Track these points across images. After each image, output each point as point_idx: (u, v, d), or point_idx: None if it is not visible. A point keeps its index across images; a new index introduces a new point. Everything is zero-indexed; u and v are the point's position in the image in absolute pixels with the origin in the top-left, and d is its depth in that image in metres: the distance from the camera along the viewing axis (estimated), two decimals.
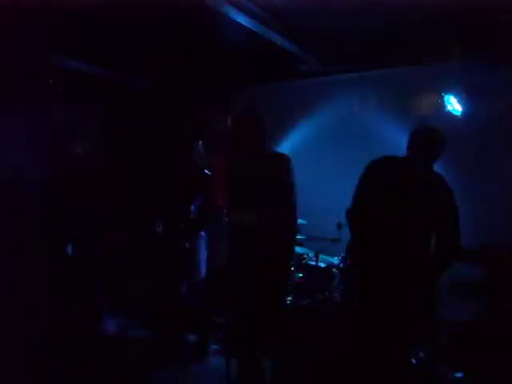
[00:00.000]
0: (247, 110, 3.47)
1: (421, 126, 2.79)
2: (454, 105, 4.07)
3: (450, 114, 4.07)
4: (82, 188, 3.63)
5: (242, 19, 3.66)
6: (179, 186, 3.84)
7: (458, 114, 4.07)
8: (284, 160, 3.05)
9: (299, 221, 4.32)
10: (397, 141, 4.09)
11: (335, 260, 4.23)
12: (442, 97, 4.09)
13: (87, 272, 3.65)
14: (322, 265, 4.23)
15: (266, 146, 3.13)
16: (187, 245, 3.77)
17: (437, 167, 2.79)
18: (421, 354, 3.26)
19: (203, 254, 3.92)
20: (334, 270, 4.13)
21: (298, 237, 4.43)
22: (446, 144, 2.73)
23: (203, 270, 3.91)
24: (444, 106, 4.08)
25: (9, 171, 4.37)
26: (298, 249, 4.41)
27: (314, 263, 4.20)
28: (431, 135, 2.72)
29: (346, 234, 4.00)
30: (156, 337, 4.28)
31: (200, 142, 3.87)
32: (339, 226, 4.11)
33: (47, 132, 4.48)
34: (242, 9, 3.56)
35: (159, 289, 4.37)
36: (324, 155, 4.95)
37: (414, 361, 3.19)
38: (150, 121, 5.66)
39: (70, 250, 3.54)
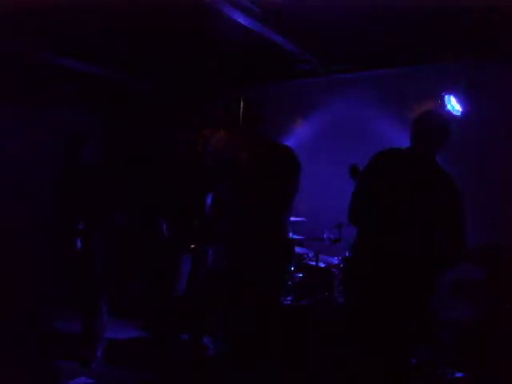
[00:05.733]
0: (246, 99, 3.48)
1: (423, 112, 2.74)
2: (453, 105, 4.07)
3: (450, 113, 4.06)
4: (90, 182, 3.72)
5: (242, 19, 3.66)
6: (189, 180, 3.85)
7: (458, 114, 4.07)
8: (294, 158, 3.06)
9: (299, 219, 4.36)
10: (397, 141, 4.10)
11: (335, 260, 4.23)
12: (442, 97, 4.09)
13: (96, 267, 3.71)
14: (322, 265, 4.24)
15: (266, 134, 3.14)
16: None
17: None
18: (421, 354, 3.27)
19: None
20: (333, 269, 4.13)
21: (297, 237, 4.44)
22: (449, 130, 2.67)
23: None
24: (444, 106, 4.08)
25: (15, 170, 4.41)
26: (297, 249, 4.42)
27: (314, 263, 4.20)
28: (434, 120, 2.68)
29: (346, 234, 4.02)
30: (154, 336, 4.29)
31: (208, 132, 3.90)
32: (339, 225, 4.12)
33: (52, 131, 4.52)
34: (242, 9, 3.56)
35: (159, 288, 4.38)
36: (324, 155, 4.95)
37: (413, 361, 3.20)
38: (152, 119, 5.69)
39: (79, 244, 3.62)
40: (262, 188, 3.03)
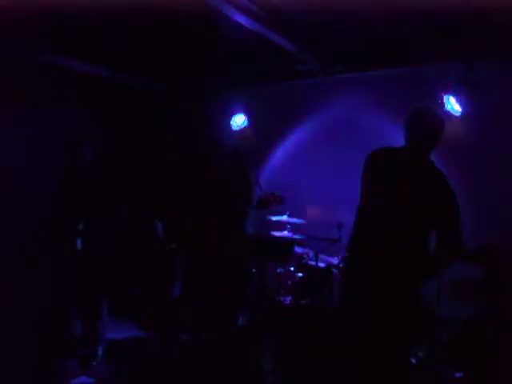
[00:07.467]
0: None
1: (416, 111, 2.69)
2: (453, 105, 4.06)
3: (449, 113, 4.06)
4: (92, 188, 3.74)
5: (242, 19, 3.66)
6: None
7: (458, 114, 4.07)
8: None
9: (298, 220, 4.37)
10: (397, 141, 4.10)
11: (335, 260, 4.23)
12: (442, 97, 4.09)
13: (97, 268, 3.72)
14: (322, 265, 4.24)
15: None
16: None
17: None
18: (421, 354, 3.27)
19: None
20: (333, 269, 4.13)
21: (298, 237, 4.45)
22: (443, 129, 2.64)
23: None
24: (444, 106, 4.08)
25: (16, 169, 4.43)
26: (297, 249, 4.43)
27: (313, 263, 4.20)
28: (426, 119, 2.64)
29: (346, 234, 4.01)
30: (154, 336, 4.30)
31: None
32: (339, 225, 4.12)
33: (51, 132, 4.53)
34: (242, 9, 3.56)
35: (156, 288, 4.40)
36: (324, 155, 4.95)
37: (413, 361, 3.20)
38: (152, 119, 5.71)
39: (79, 244, 3.62)
40: None
